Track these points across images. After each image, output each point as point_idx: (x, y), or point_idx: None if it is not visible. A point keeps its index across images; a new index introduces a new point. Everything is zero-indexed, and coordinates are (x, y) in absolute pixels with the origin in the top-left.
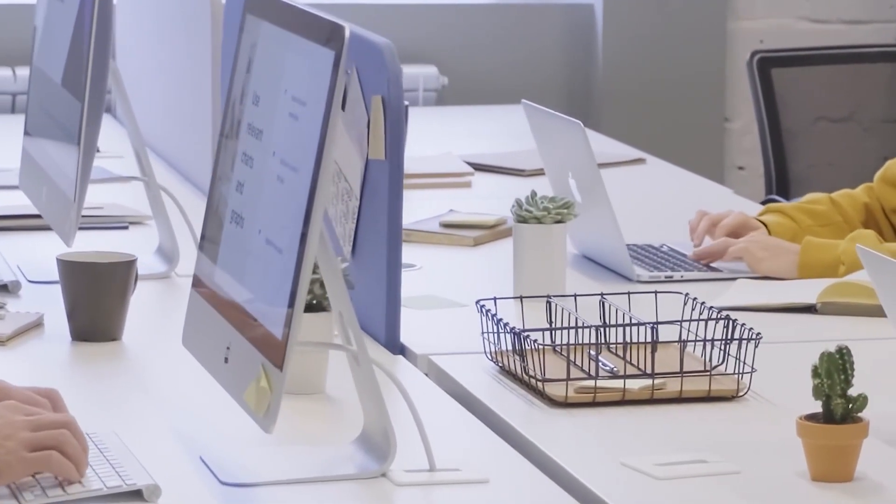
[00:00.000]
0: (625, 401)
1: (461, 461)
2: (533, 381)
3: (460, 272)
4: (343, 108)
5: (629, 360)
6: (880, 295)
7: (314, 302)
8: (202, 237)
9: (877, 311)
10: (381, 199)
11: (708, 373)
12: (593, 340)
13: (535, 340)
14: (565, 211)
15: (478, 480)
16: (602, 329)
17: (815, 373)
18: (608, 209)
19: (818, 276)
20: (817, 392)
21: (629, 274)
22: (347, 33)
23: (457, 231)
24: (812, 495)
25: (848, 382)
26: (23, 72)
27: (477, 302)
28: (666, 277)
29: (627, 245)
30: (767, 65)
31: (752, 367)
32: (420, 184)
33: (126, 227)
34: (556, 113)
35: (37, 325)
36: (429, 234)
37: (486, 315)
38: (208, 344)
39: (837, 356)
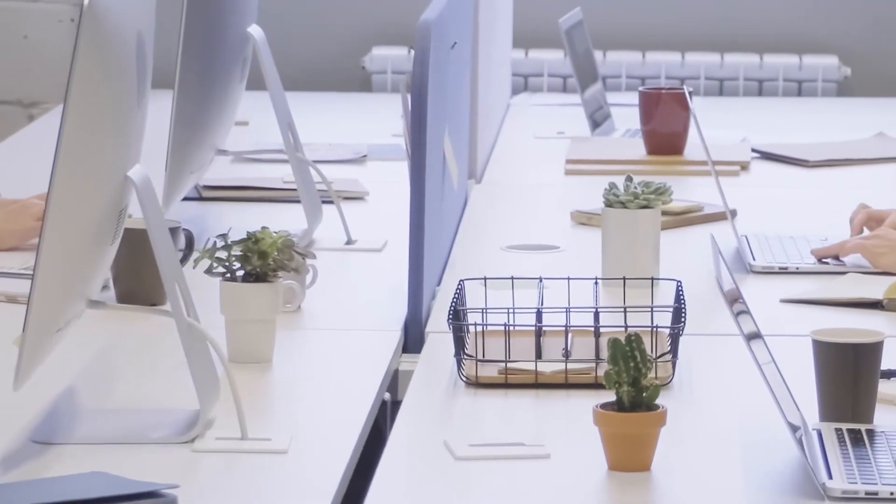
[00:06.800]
0: (538, 384)
1: (277, 431)
2: (467, 359)
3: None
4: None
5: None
6: None
7: (257, 272)
8: None
9: None
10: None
11: None
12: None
13: (450, 320)
14: (653, 196)
15: (276, 451)
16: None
17: (608, 360)
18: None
19: None
20: (608, 379)
21: (746, 262)
22: (85, 2)
23: None
24: (597, 483)
25: (638, 370)
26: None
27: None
28: (780, 268)
29: (788, 236)
30: None
31: (674, 357)
32: (686, 171)
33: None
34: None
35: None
36: None
37: (457, 294)
38: None
39: (625, 343)
